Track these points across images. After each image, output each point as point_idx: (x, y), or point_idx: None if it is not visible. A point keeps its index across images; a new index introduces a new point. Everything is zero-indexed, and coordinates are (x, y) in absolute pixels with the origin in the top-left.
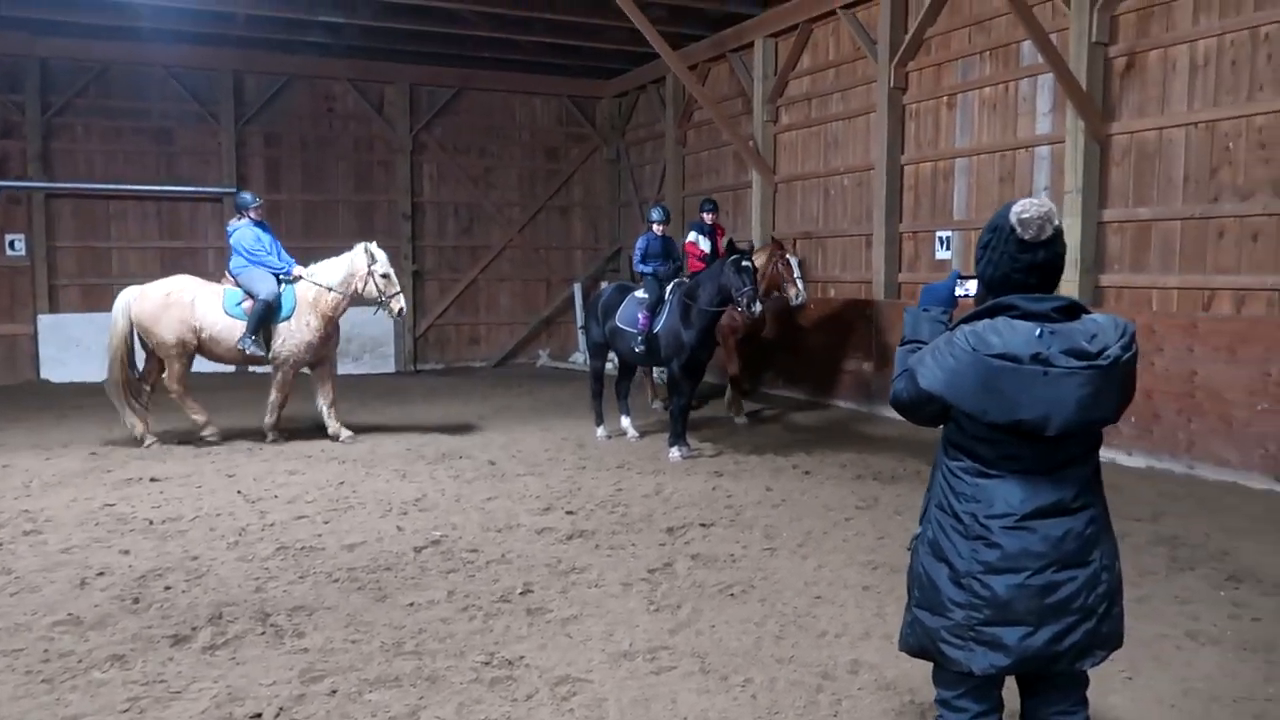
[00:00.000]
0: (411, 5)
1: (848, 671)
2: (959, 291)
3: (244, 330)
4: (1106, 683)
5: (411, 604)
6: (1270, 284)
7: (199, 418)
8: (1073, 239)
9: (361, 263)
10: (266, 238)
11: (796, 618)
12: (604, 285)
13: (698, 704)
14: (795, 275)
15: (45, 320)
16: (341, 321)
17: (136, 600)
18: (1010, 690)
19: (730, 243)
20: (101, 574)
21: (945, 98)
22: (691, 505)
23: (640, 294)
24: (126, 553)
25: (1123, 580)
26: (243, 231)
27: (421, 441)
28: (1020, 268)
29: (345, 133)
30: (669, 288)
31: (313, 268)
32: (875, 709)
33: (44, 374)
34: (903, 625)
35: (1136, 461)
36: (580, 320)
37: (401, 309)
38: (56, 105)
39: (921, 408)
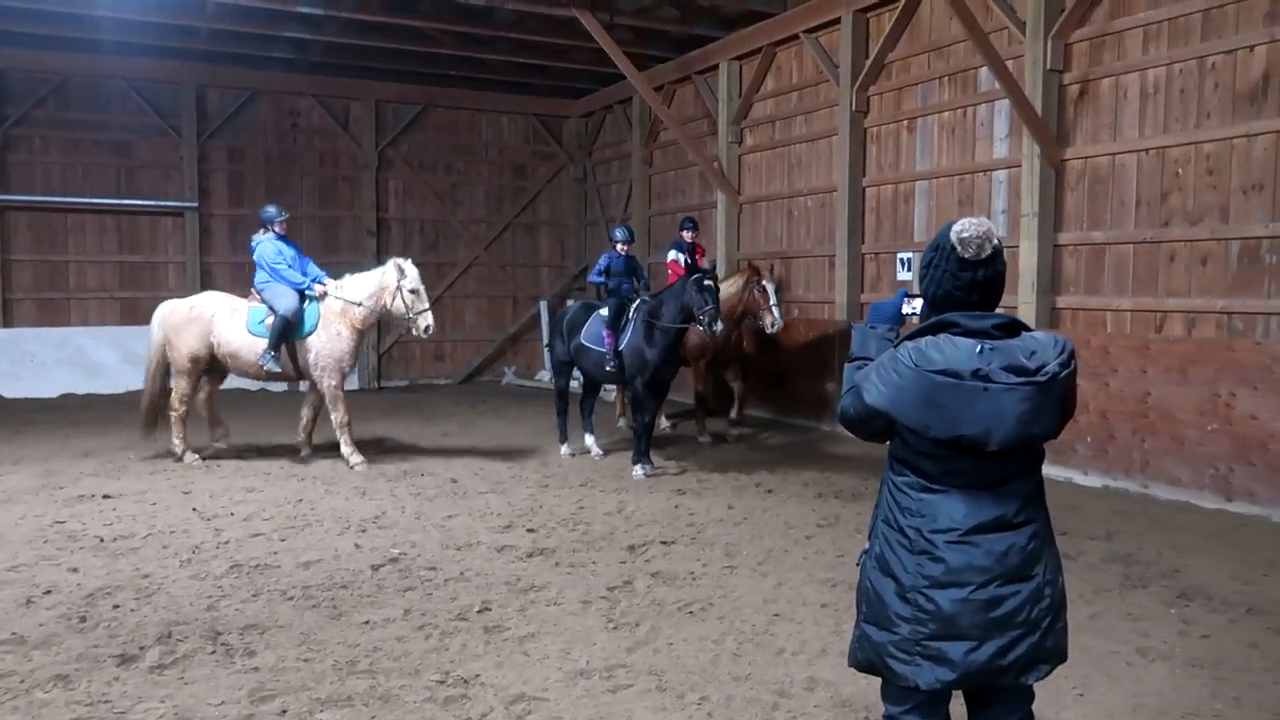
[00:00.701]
0: (377, 22)
1: (804, 689)
2: (906, 310)
3: (264, 346)
4: (1059, 699)
5: (367, 622)
6: (1219, 306)
7: (177, 444)
8: (1029, 261)
9: (392, 277)
10: (289, 252)
11: (754, 635)
12: (570, 303)
13: None
14: (771, 303)
15: None
16: None
17: (84, 619)
18: (958, 705)
19: (692, 265)
20: (49, 592)
21: (905, 121)
22: (653, 523)
23: (605, 312)
24: (75, 570)
25: (1066, 594)
26: (264, 245)
27: (383, 458)
28: (962, 285)
29: (310, 148)
30: (633, 306)
31: (343, 281)
32: None
33: None
34: (852, 640)
35: (1092, 481)
36: (546, 338)
37: (428, 326)
38: (14, 117)
39: (868, 423)
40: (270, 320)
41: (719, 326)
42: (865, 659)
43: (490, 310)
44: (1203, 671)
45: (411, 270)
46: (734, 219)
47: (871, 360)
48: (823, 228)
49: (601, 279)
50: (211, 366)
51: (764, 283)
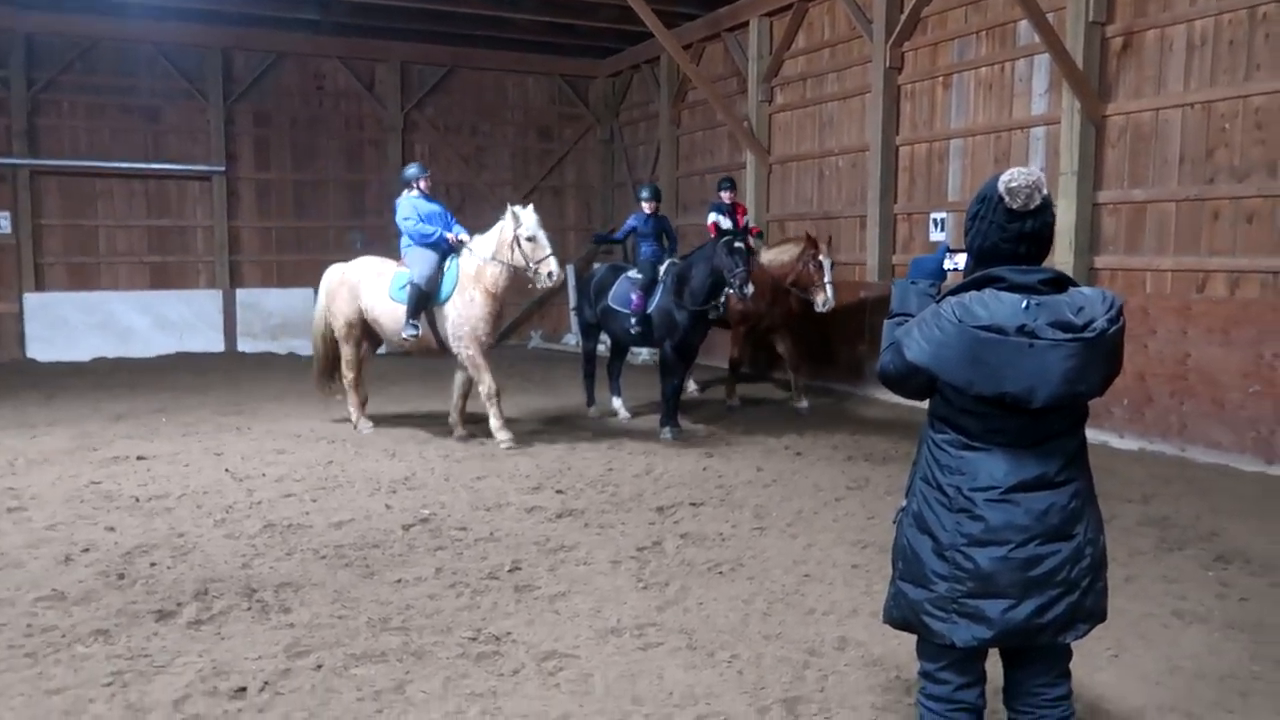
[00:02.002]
0: None
1: (834, 648)
2: (948, 265)
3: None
4: (1093, 660)
5: (399, 581)
6: (1264, 266)
7: (352, 413)
8: (1067, 221)
9: (509, 228)
10: (428, 207)
11: (784, 595)
12: (596, 266)
13: (684, 679)
14: (826, 280)
15: (31, 299)
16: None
17: (121, 576)
18: (994, 662)
19: (720, 230)
20: (86, 550)
21: (941, 78)
22: (681, 485)
23: (633, 274)
24: (112, 529)
25: (1107, 555)
26: (401, 203)
27: (411, 422)
28: (1009, 237)
29: (336, 111)
30: (663, 268)
31: (472, 243)
32: (861, 684)
33: (30, 353)
34: (886, 598)
35: (1129, 444)
36: (573, 302)
37: (551, 273)
38: (41, 81)
39: (908, 380)
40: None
41: (750, 289)
42: (900, 616)
43: (516, 275)
44: (1241, 634)
45: (527, 216)
46: (764, 180)
47: (912, 316)
48: (855, 188)
49: (622, 238)
50: (368, 333)
51: (820, 257)
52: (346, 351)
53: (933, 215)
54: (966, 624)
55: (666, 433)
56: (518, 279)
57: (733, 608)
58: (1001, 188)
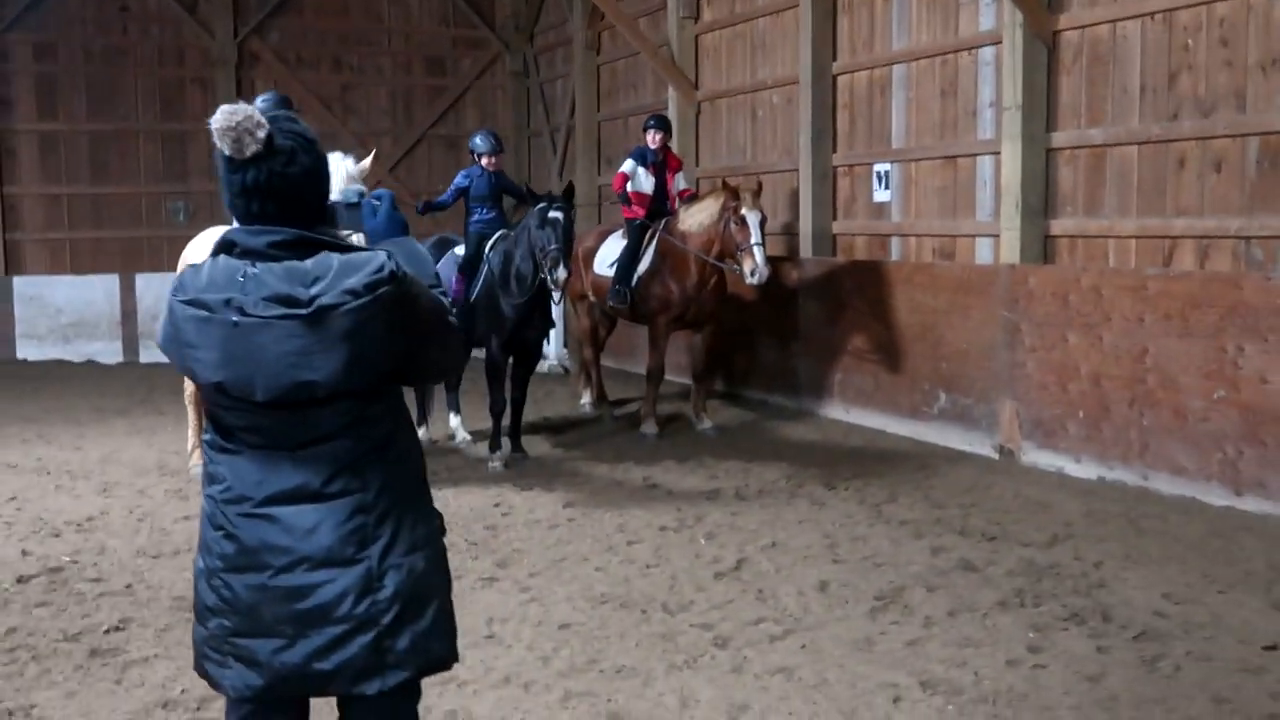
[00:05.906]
0: None
1: None
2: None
3: None
4: None
5: None
6: (1234, 229)
7: (190, 439)
8: (1012, 172)
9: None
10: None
11: None
12: (402, 240)
13: None
14: (753, 241)
15: None
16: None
17: None
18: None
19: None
20: None
21: None
22: (452, 527)
23: (461, 250)
24: None
25: (436, 584)
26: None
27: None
28: (236, 192)
29: (146, 40)
30: (489, 242)
31: None
32: None
33: None
34: None
35: (1085, 471)
36: None
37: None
38: None
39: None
40: None
41: (562, 274)
42: (196, 661)
43: None
44: (981, 706)
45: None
46: (690, 122)
47: None
48: (791, 132)
49: (450, 202)
50: None
51: (743, 211)
52: (191, 386)
53: (876, 167)
54: (241, 669)
55: (495, 460)
56: None
57: None
58: (213, 128)
